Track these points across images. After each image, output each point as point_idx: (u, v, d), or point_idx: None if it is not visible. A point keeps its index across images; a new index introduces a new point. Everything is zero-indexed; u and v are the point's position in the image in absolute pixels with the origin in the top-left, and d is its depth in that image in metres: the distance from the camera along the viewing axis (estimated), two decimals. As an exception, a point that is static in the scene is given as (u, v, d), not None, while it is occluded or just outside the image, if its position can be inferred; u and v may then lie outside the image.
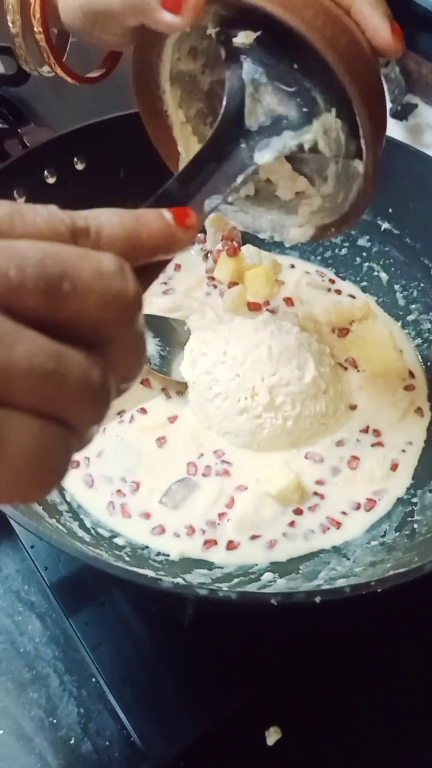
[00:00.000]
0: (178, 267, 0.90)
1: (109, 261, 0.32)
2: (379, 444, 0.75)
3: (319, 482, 0.72)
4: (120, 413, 0.75)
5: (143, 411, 0.76)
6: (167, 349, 0.78)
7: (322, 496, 0.71)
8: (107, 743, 0.62)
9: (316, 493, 0.71)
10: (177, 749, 0.59)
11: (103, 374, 0.31)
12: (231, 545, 0.68)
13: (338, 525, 0.70)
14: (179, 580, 0.62)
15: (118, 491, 0.70)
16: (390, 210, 0.86)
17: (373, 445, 0.75)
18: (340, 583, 0.61)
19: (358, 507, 0.71)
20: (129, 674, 0.63)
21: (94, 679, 0.65)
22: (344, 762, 0.63)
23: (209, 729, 0.60)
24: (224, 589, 0.62)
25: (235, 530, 0.68)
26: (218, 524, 0.69)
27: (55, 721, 0.63)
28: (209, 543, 0.68)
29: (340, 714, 0.65)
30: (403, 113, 1.06)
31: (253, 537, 0.68)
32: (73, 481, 0.71)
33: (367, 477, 0.73)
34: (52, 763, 0.61)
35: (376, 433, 0.76)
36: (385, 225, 0.87)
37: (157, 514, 0.69)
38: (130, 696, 0.61)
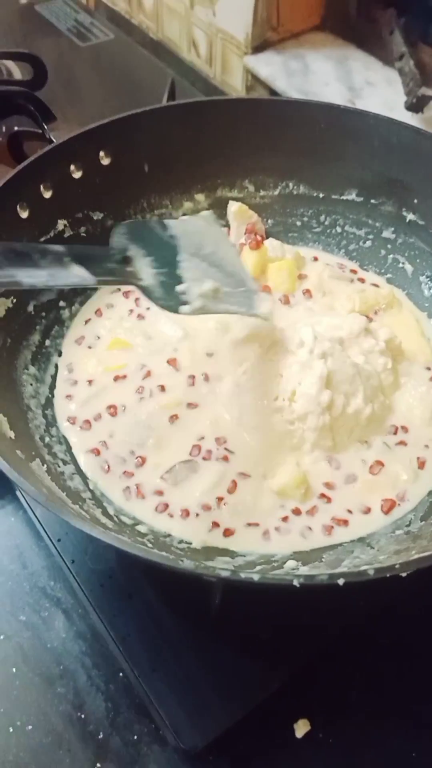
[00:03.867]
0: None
1: None
2: (402, 443, 0.73)
3: (328, 485, 0.70)
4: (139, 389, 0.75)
5: (162, 389, 0.75)
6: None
7: (329, 499, 0.69)
8: (135, 737, 0.61)
9: (323, 495, 0.69)
10: (208, 739, 0.58)
11: None
12: (228, 532, 0.66)
13: (346, 523, 0.67)
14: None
15: (125, 473, 0.69)
16: (415, 201, 0.85)
17: (396, 445, 0.73)
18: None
19: (368, 511, 0.68)
20: (158, 664, 0.62)
21: (122, 674, 0.64)
22: (375, 754, 0.61)
23: (240, 718, 0.59)
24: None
25: (230, 516, 0.67)
26: (214, 509, 0.67)
27: (83, 716, 0.62)
28: (215, 525, 0.66)
29: (368, 705, 0.64)
30: (418, 105, 1.05)
31: (249, 524, 0.67)
32: (93, 469, 0.70)
33: (390, 481, 0.70)
34: (81, 758, 0.60)
35: (404, 429, 0.74)
36: (410, 216, 0.86)
37: (160, 492, 0.68)
38: (160, 686, 0.61)
